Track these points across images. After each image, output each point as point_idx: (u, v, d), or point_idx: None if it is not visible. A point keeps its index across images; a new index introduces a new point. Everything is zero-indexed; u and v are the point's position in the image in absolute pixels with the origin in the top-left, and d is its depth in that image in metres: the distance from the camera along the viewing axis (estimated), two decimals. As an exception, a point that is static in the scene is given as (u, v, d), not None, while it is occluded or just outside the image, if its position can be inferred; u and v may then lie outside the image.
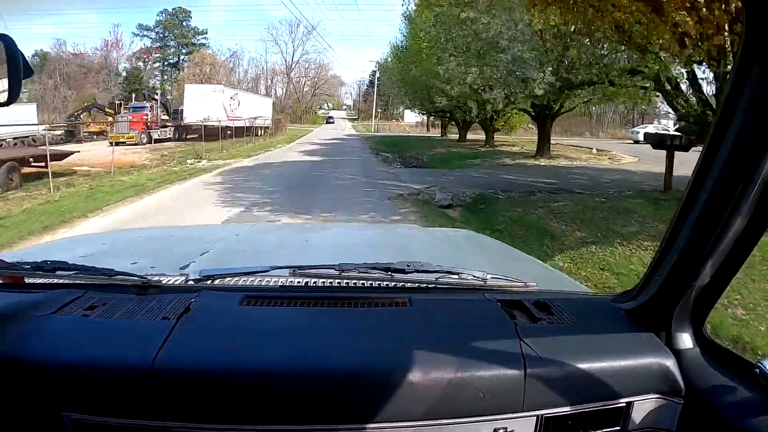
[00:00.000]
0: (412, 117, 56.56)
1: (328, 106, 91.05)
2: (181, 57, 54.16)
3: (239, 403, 0.72)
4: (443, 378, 0.73)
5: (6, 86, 0.73)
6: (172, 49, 54.28)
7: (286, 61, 61.69)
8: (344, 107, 79.95)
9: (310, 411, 0.73)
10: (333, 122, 55.99)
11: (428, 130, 45.95)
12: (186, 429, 0.72)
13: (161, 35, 53.43)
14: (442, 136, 32.06)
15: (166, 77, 54.15)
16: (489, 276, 1.00)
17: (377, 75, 47.93)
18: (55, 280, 0.99)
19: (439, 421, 0.74)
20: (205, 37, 55.50)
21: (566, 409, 0.76)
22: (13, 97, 0.75)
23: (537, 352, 0.77)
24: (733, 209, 0.68)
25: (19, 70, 0.75)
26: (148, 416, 0.72)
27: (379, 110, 66.15)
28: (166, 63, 54.42)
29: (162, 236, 1.90)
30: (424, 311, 0.90)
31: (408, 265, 0.97)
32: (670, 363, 0.79)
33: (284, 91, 61.51)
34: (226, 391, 0.72)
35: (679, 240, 0.77)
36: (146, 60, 53.71)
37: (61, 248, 1.65)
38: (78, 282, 0.97)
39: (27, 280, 1.00)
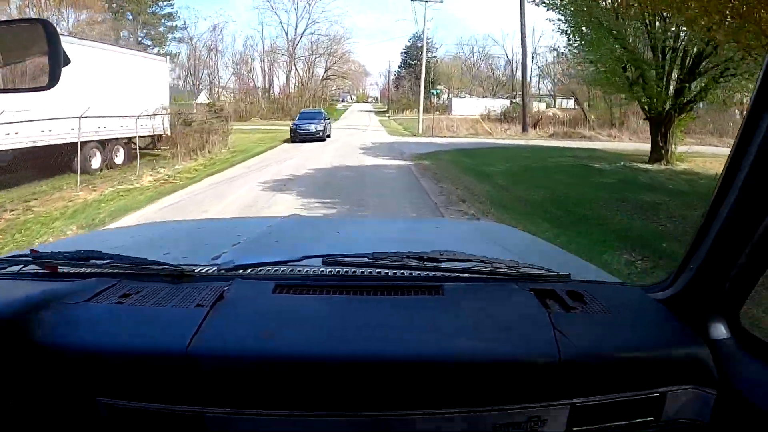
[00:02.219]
0: (464, 107, 40.31)
1: (350, 98, 72.14)
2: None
3: (273, 389, 0.72)
4: (477, 365, 0.73)
5: (48, 72, 0.73)
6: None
7: (287, 35, 42.12)
8: (370, 99, 68.32)
9: (345, 398, 0.72)
10: (349, 107, 42.65)
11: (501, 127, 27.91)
12: (219, 414, 0.72)
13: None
14: (656, 149, 11.68)
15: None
16: (521, 265, 1.00)
17: (426, 37, 31.55)
18: (89, 270, 0.99)
19: (475, 409, 0.73)
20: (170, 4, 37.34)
21: (599, 398, 0.75)
22: (53, 82, 0.73)
23: (572, 340, 0.76)
24: None
25: (60, 55, 0.73)
26: (182, 401, 0.72)
27: (409, 99, 46.01)
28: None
29: (193, 228, 1.93)
30: (458, 299, 0.90)
31: (441, 254, 0.98)
32: (704, 353, 0.78)
33: (286, 76, 41.77)
34: (261, 377, 0.73)
35: (713, 229, 0.76)
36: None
37: (92, 240, 1.80)
38: (111, 271, 0.98)
39: (61, 270, 1.00)
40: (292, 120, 22.07)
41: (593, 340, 0.78)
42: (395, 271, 0.98)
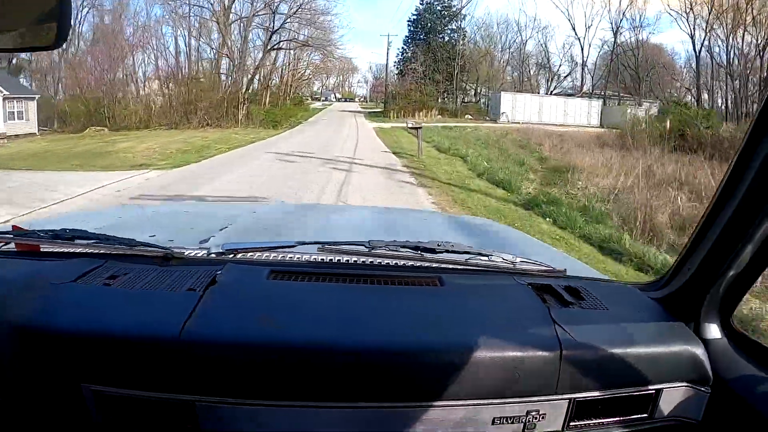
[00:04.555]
0: (522, 109, 29.15)
1: (334, 96, 57.32)
2: None
3: (266, 377, 0.70)
4: (478, 358, 0.72)
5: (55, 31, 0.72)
6: None
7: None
8: (358, 99, 60.02)
9: (341, 388, 0.71)
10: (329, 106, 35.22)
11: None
12: (209, 403, 0.70)
13: None
14: None
15: None
16: (519, 259, 1.00)
17: None
18: (73, 249, 0.96)
19: (472, 401, 0.72)
20: None
21: (597, 394, 0.76)
22: (61, 41, 0.73)
23: (572, 335, 0.76)
24: None
25: (69, 13, 0.73)
26: (172, 389, 0.69)
27: (422, 92, 28.81)
28: None
29: (177, 211, 1.90)
30: (456, 292, 0.88)
31: (438, 245, 0.96)
32: (699, 352, 0.79)
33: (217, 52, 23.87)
34: (254, 365, 0.70)
35: (712, 231, 0.76)
36: None
37: (75, 220, 1.65)
38: (96, 252, 0.94)
39: (43, 249, 0.96)
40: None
41: (592, 336, 0.77)
42: (391, 261, 0.96)
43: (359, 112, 37.75)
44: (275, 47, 24.67)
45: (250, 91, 24.48)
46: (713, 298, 0.80)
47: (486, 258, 0.98)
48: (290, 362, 0.70)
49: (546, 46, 36.63)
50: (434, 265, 0.96)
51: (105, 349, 0.70)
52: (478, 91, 35.70)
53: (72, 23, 0.73)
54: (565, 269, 1.00)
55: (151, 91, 23.09)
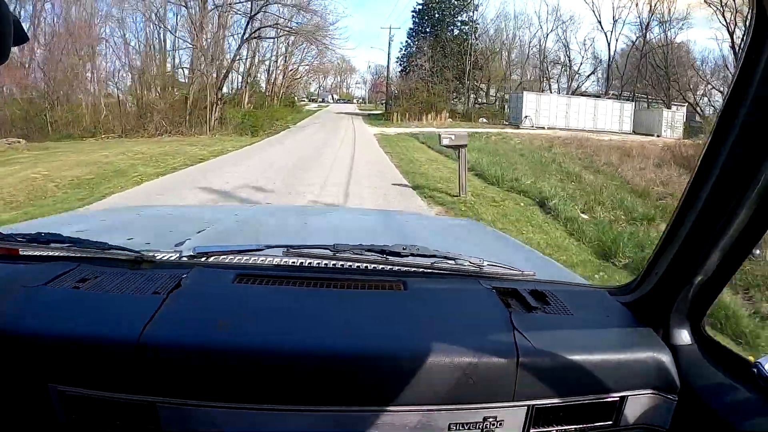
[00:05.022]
0: (548, 112, 24.79)
1: (332, 97, 57.08)
2: None
3: (225, 381, 0.71)
4: (434, 364, 0.72)
5: None
6: None
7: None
8: (356, 100, 57.42)
9: (299, 392, 0.71)
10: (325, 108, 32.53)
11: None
12: (171, 405, 0.71)
13: None
14: None
15: None
16: (486, 263, 0.98)
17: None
18: (49, 253, 0.97)
19: (427, 407, 0.72)
20: None
21: (557, 401, 0.74)
22: (3, 58, 0.73)
23: (530, 341, 0.75)
24: (735, 206, 0.67)
25: (10, 30, 0.73)
26: (134, 390, 0.71)
27: (431, 92, 24.69)
28: None
29: (161, 214, 1.88)
30: (419, 296, 0.88)
31: (404, 249, 0.95)
32: (666, 359, 0.78)
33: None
34: (212, 368, 0.71)
35: (680, 235, 0.75)
36: None
37: (58, 223, 1.68)
38: (71, 255, 0.95)
39: (21, 252, 0.98)
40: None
41: (553, 342, 0.76)
42: (357, 264, 0.95)
43: (357, 114, 33.53)
44: (254, 35, 20.30)
45: (226, 90, 20.32)
46: (682, 304, 0.79)
47: (452, 261, 0.97)
48: (247, 367, 0.70)
49: (567, 41, 32.54)
50: (401, 268, 0.96)
51: (70, 351, 0.71)
52: (489, 91, 31.50)
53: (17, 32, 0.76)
54: (534, 273, 0.98)
55: (101, 92, 18.68)
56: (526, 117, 23.93)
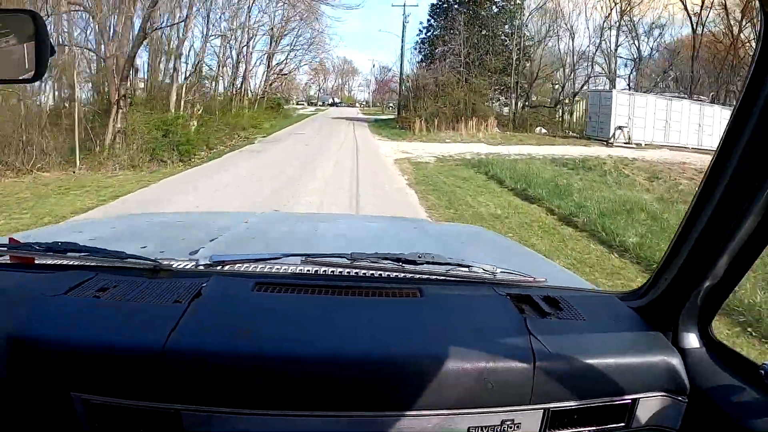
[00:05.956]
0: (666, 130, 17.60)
1: (332, 100, 54.21)
2: None
3: (248, 388, 0.72)
4: (453, 369, 0.74)
5: (34, 63, 0.72)
6: None
7: None
8: (358, 104, 55.21)
9: (321, 397, 0.73)
10: (323, 111, 27.06)
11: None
12: (195, 412, 0.72)
13: None
14: None
15: None
16: (499, 270, 1.00)
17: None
18: (66, 262, 0.98)
19: (447, 411, 0.74)
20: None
21: (572, 404, 0.76)
22: (39, 74, 0.74)
23: (546, 346, 0.77)
24: (744, 211, 0.68)
25: (47, 47, 0.73)
26: (158, 398, 0.72)
27: (466, 89, 17.08)
28: None
29: (170, 222, 1.88)
30: (435, 303, 0.90)
31: (419, 257, 0.97)
32: (676, 362, 0.80)
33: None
34: (236, 376, 0.72)
35: (689, 240, 0.76)
36: None
37: (70, 231, 1.68)
38: (88, 264, 0.96)
39: (37, 261, 0.99)
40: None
41: (568, 347, 0.78)
42: (373, 272, 0.97)
43: (360, 119, 26.00)
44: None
45: (147, 84, 12.71)
46: (691, 308, 0.80)
47: (466, 269, 0.98)
48: (270, 374, 0.72)
49: (635, 25, 24.81)
50: (415, 276, 0.97)
51: (93, 360, 0.72)
52: (539, 90, 23.65)
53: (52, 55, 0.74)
54: (546, 279, 1.00)
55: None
56: (618, 128, 16.08)
